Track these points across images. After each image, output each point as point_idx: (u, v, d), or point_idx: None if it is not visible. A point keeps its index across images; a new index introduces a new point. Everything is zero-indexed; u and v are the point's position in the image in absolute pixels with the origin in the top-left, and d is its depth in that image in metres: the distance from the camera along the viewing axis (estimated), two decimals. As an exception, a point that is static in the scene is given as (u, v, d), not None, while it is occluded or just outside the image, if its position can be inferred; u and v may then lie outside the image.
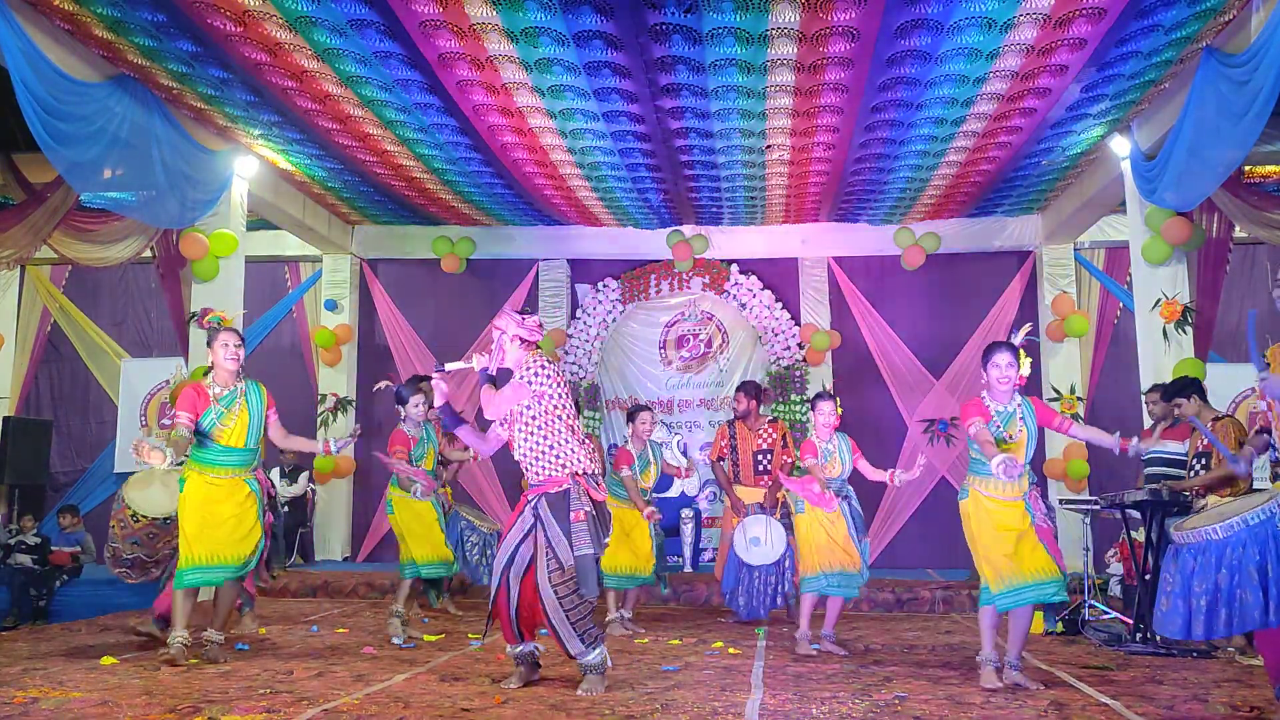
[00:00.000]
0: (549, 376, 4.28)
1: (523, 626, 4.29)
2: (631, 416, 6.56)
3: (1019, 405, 4.43)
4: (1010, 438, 4.37)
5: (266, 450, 9.57)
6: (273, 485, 5.19)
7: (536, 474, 4.26)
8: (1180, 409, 5.94)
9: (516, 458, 4.34)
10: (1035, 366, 9.79)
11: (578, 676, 4.39)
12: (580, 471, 4.24)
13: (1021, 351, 4.46)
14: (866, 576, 5.58)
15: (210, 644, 4.85)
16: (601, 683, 4.18)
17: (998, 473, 4.10)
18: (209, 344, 5.00)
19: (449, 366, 4.50)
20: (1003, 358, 4.43)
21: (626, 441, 6.50)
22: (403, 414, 5.94)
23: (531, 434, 4.25)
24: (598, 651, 4.19)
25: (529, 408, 4.25)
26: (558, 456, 4.23)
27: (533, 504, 4.28)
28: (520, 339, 4.33)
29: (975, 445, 4.39)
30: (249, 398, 4.94)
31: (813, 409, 5.69)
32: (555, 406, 4.26)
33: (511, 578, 4.26)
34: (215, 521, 4.79)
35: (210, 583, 4.85)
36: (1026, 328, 4.64)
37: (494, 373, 4.37)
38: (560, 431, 4.25)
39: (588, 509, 4.20)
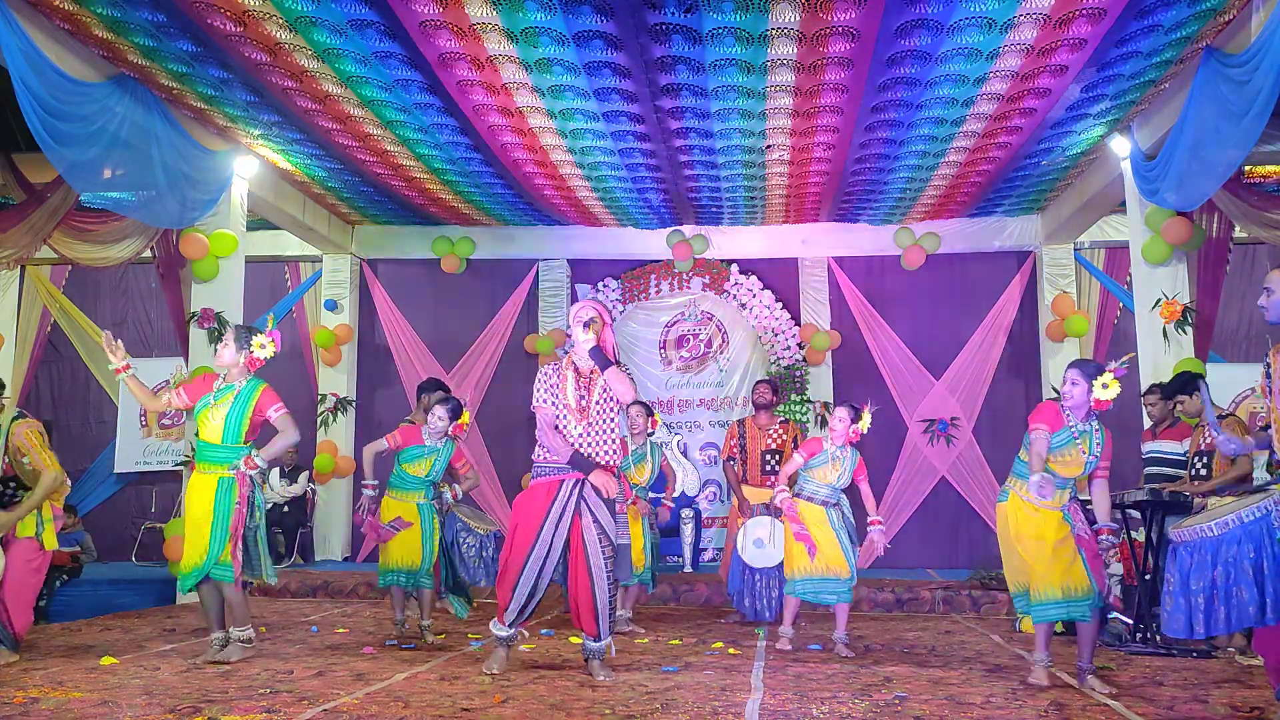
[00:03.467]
0: None
1: (533, 615, 4.60)
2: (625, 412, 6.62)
3: (1096, 430, 4.37)
4: (1082, 451, 4.30)
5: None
6: (252, 485, 4.91)
7: (606, 456, 4.44)
8: (1182, 405, 5.94)
9: (577, 434, 4.41)
10: (1035, 367, 9.91)
11: (579, 676, 4.45)
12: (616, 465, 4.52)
13: (1107, 376, 4.27)
14: (854, 581, 5.48)
15: (233, 643, 4.84)
16: (609, 667, 4.46)
17: (1031, 487, 4.17)
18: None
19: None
20: (1070, 373, 4.39)
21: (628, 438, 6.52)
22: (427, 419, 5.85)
23: (609, 421, 4.51)
24: (608, 639, 4.46)
25: (627, 401, 4.61)
26: (616, 449, 4.52)
27: (573, 488, 4.41)
28: (612, 332, 4.60)
29: (1043, 457, 4.31)
30: (239, 395, 4.88)
31: (830, 412, 5.71)
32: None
33: (544, 575, 4.42)
34: (191, 521, 4.79)
35: (184, 588, 4.82)
36: (1129, 357, 4.54)
37: (613, 358, 4.51)
38: (620, 429, 4.62)
39: (623, 501, 4.56)
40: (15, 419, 4.95)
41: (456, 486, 5.95)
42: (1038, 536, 4.32)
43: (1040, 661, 4.43)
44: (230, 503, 4.78)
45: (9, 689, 4.07)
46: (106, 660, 4.80)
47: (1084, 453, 4.33)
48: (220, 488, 4.79)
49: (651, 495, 6.67)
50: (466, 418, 6.03)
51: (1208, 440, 5.64)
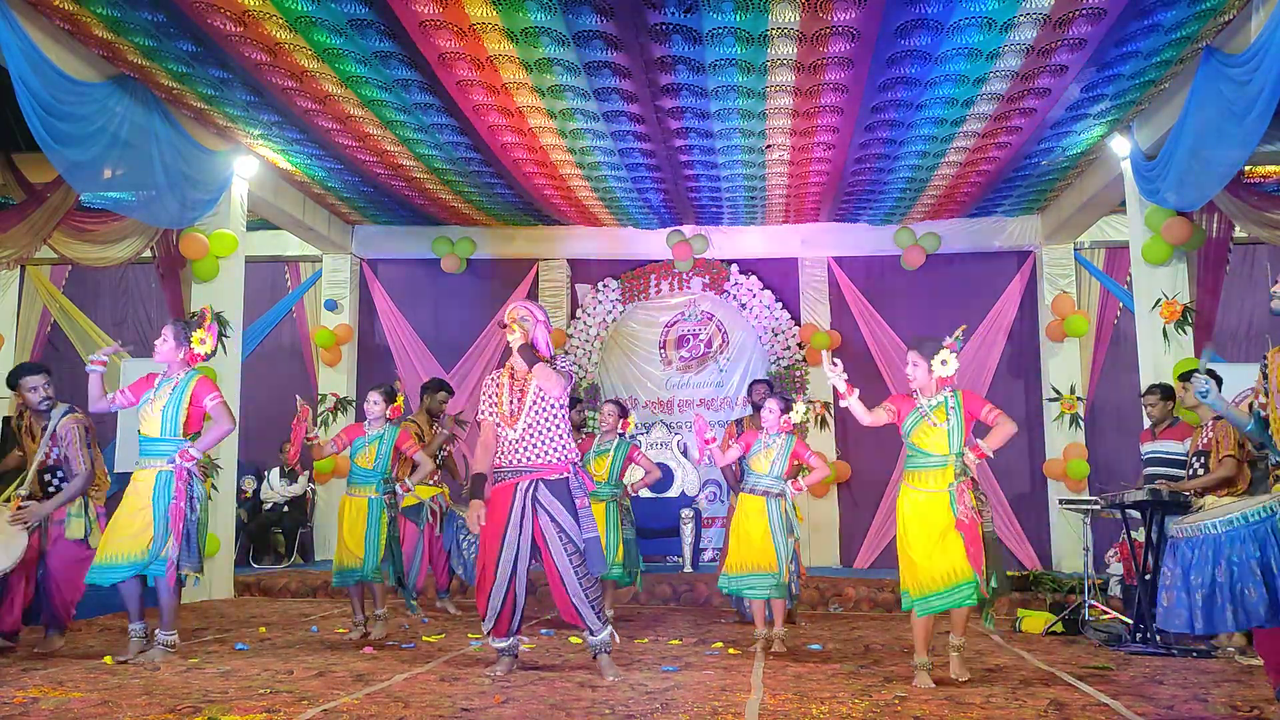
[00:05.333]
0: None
1: (521, 621, 4.56)
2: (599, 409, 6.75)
3: (948, 396, 4.47)
4: (935, 423, 4.41)
5: (265, 449, 9.53)
6: (190, 477, 4.84)
7: (537, 455, 4.45)
8: (1183, 395, 5.94)
9: (515, 438, 4.47)
10: (1036, 367, 9.89)
11: (579, 676, 4.47)
12: (577, 462, 4.54)
13: (944, 353, 4.44)
14: (780, 577, 5.35)
15: (157, 645, 4.80)
16: (614, 663, 4.51)
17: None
18: None
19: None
20: (910, 355, 4.56)
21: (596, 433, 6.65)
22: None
23: (548, 419, 4.50)
24: (608, 629, 4.49)
25: (561, 395, 4.53)
26: (564, 445, 4.51)
27: (527, 490, 4.44)
28: (545, 330, 4.63)
29: (907, 440, 4.50)
30: (176, 387, 4.86)
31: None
32: (567, 401, 4.60)
33: (519, 578, 4.45)
34: (124, 514, 4.77)
35: (107, 580, 4.74)
36: (962, 329, 4.68)
37: (545, 355, 4.57)
38: (567, 423, 4.58)
39: (586, 496, 4.52)
40: (65, 413, 5.10)
41: (408, 481, 5.96)
42: (925, 523, 4.36)
43: (922, 665, 4.38)
44: (168, 497, 4.75)
45: (9, 689, 4.07)
46: (107, 660, 4.80)
47: (939, 422, 4.41)
48: (158, 482, 4.78)
49: (648, 495, 6.72)
50: (401, 400, 6.16)
51: (1205, 440, 5.64)
